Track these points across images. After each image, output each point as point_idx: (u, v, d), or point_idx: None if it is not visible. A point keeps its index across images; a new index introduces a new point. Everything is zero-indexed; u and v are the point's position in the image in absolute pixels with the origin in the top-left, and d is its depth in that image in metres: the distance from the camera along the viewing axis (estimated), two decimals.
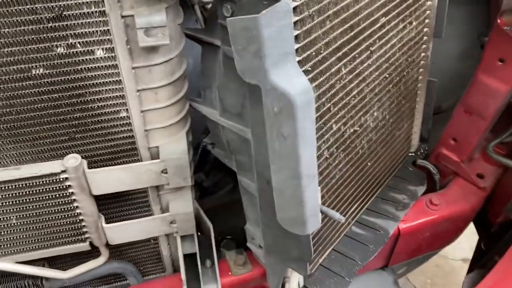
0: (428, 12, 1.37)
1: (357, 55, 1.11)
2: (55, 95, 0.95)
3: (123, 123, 1.02)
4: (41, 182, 1.02)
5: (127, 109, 1.00)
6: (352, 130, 1.21)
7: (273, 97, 0.78)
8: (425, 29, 1.40)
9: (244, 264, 1.35)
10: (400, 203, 1.49)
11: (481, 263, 1.74)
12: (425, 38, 1.42)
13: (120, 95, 0.97)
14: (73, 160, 1.01)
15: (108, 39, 0.88)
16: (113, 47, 0.89)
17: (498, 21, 1.19)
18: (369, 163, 1.39)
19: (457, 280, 2.78)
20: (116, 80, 0.94)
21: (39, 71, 0.91)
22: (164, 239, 1.31)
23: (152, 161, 1.05)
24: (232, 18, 0.73)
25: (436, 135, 1.69)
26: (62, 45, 0.89)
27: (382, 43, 1.20)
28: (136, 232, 1.19)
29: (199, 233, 1.33)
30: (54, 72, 0.92)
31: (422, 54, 1.45)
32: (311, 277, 1.30)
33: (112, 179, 1.05)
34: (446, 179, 1.64)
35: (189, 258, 1.30)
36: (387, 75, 1.28)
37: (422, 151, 1.70)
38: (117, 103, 0.99)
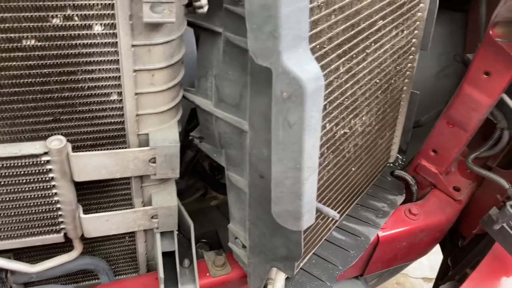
0: (418, 23, 1.40)
1: (354, 55, 1.11)
2: (44, 70, 0.89)
3: (114, 107, 0.97)
4: (19, 164, 0.95)
5: (119, 92, 0.95)
6: (342, 132, 1.21)
7: (284, 81, 0.76)
8: (414, 40, 1.43)
9: (223, 266, 1.30)
10: (380, 211, 1.50)
11: (449, 276, 1.77)
12: (412, 48, 1.44)
13: (115, 76, 0.92)
14: (56, 141, 0.95)
15: (111, 13, 0.83)
16: (114, 23, 0.85)
17: (490, 32, 1.22)
18: (353, 168, 1.39)
19: None
20: (113, 60, 0.90)
21: (30, 42, 0.86)
22: (142, 235, 1.25)
23: (141, 148, 1.00)
24: None
25: (412, 149, 1.72)
26: (59, 16, 0.84)
27: (377, 47, 1.21)
28: (115, 225, 1.13)
29: (177, 232, 1.28)
30: (46, 45, 0.86)
31: (409, 65, 1.47)
32: (291, 280, 1.27)
33: (96, 164, 0.99)
34: (423, 190, 1.65)
35: (166, 257, 1.24)
36: (377, 80, 1.29)
37: (399, 162, 1.72)
38: (110, 85, 0.94)
